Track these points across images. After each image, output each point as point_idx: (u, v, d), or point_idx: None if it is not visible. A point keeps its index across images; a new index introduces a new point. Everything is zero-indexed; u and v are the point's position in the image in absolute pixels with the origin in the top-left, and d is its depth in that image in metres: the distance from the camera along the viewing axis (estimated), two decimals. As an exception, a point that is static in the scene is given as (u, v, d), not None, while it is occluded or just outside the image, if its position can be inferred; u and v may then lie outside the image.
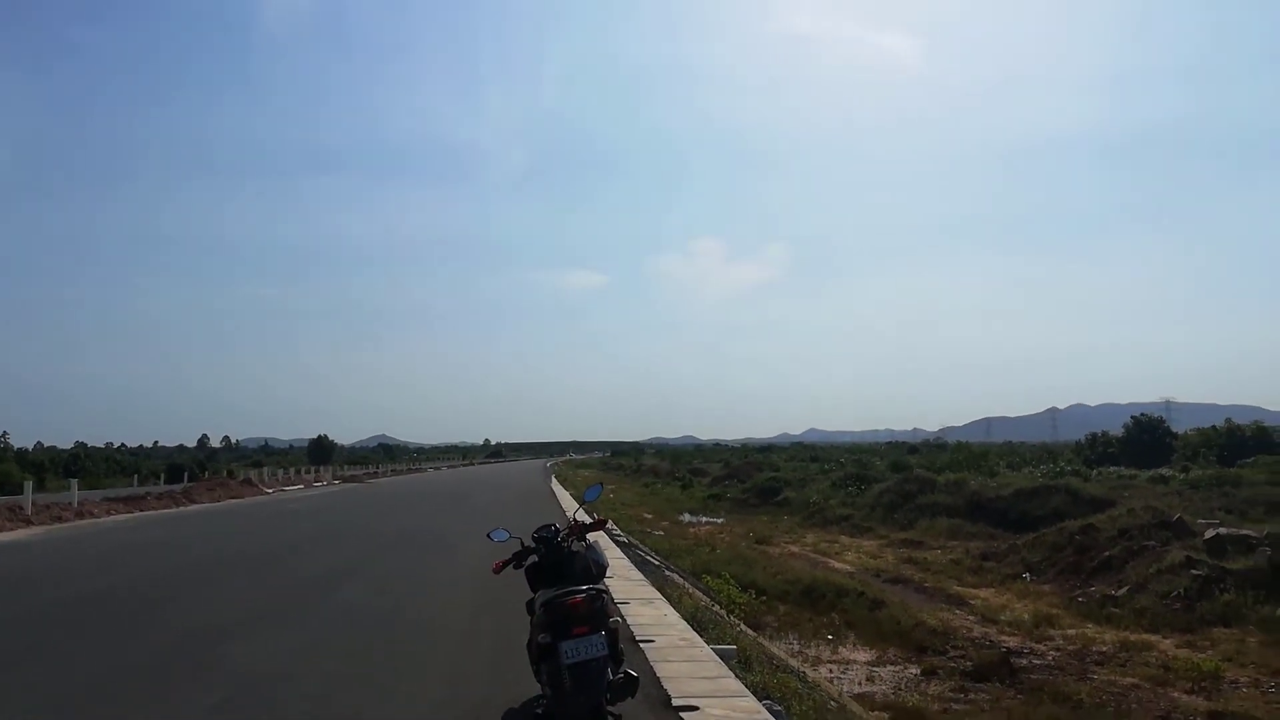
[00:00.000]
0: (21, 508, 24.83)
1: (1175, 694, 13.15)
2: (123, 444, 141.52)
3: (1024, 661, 15.04)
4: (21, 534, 21.70)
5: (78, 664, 7.75)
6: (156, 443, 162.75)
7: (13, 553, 17.81)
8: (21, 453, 79.75)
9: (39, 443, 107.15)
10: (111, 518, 26.70)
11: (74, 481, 32.78)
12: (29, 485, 27.47)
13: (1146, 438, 55.39)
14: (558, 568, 5.63)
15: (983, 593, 21.51)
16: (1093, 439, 60.33)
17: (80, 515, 26.10)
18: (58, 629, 9.47)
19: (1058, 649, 15.97)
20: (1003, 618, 18.41)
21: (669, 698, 6.47)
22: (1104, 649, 15.66)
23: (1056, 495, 31.44)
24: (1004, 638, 16.86)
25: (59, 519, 24.92)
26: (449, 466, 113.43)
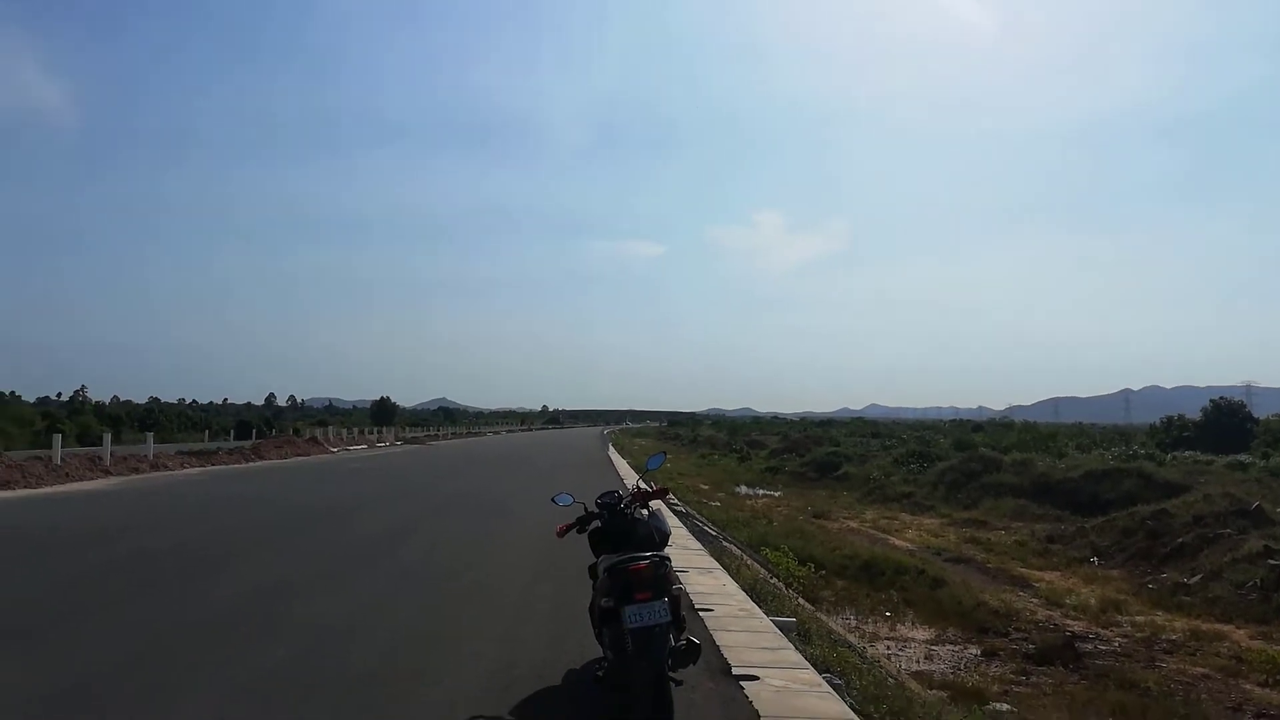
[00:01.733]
0: (101, 458, 25.86)
1: (1248, 686, 12.72)
2: (194, 400, 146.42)
3: (1089, 647, 14.68)
4: (100, 483, 22.59)
5: (154, 614, 8.05)
6: (226, 400, 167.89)
7: (95, 502, 18.56)
8: (99, 406, 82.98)
9: (115, 397, 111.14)
10: (184, 471, 27.63)
11: (149, 435, 33.90)
12: (108, 437, 28.58)
13: (1225, 422, 53.56)
14: (621, 534, 5.61)
15: (1048, 575, 21.06)
16: (1168, 422, 58.54)
17: (155, 467, 27.06)
18: (134, 580, 9.84)
19: (1125, 635, 15.56)
20: (1068, 601, 18.00)
21: (729, 666, 6.44)
22: (1174, 637, 15.21)
23: (1128, 479, 30.57)
24: (1069, 622, 16.48)
25: (135, 470, 25.88)
26: (507, 431, 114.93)
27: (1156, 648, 14.72)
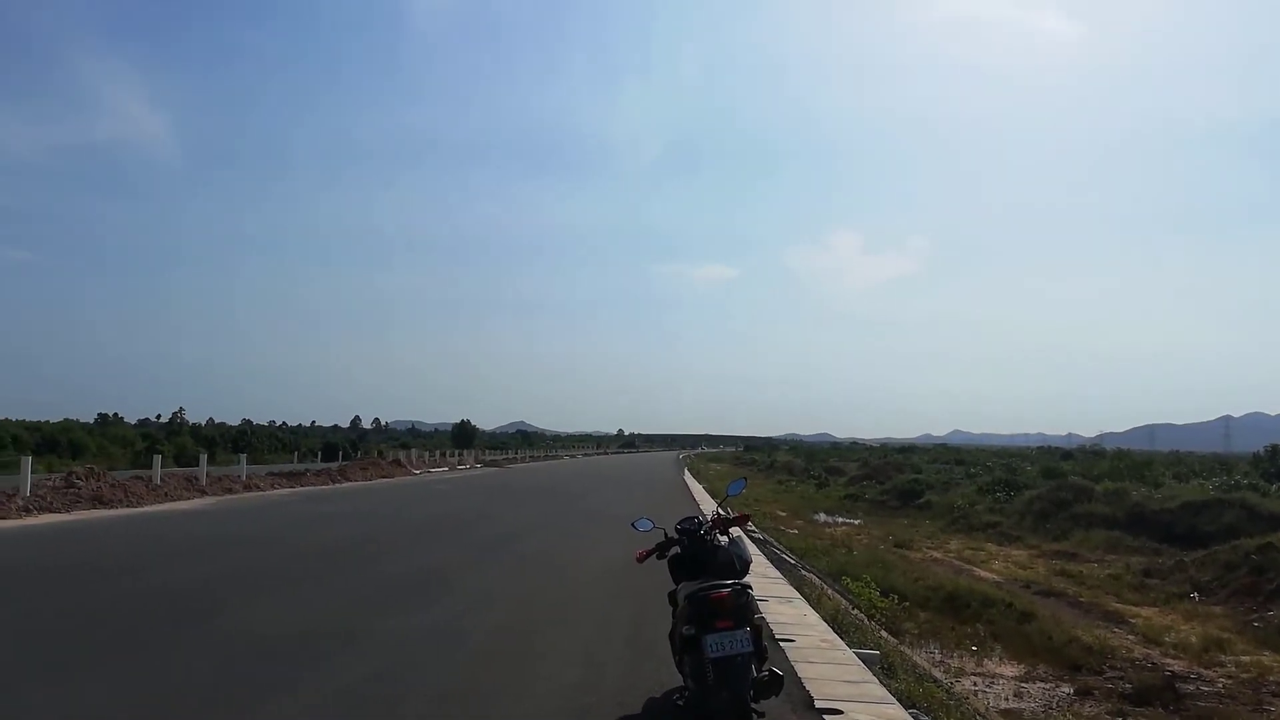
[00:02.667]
0: (197, 478, 26.89)
1: (1365, 733, 11.96)
2: (284, 422, 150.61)
3: (1190, 687, 13.98)
4: (197, 503, 23.46)
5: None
6: (314, 422, 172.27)
7: (205, 519, 19.34)
8: (196, 428, 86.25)
9: (210, 419, 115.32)
10: (275, 491, 28.53)
11: (242, 456, 35.15)
12: (203, 458, 29.73)
13: (1335, 452, 50.65)
14: (701, 560, 5.57)
15: (1144, 611, 20.16)
16: (1273, 451, 55.58)
17: (248, 487, 28.01)
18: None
19: (1229, 676, 14.77)
20: (1167, 639, 17.19)
21: (812, 699, 6.33)
22: (1283, 680, 14.39)
23: (1230, 510, 29.10)
24: (1168, 661, 15.74)
25: (229, 490, 26.83)
26: (584, 455, 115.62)
27: (1263, 690, 13.94)
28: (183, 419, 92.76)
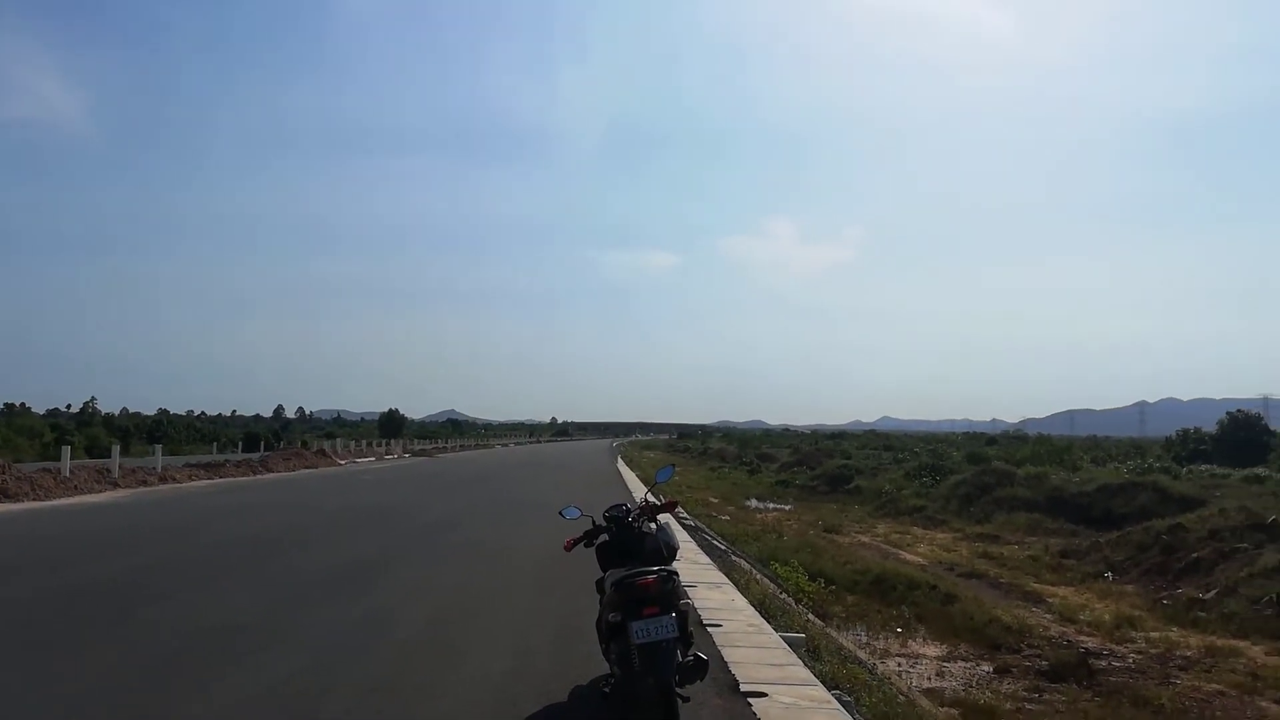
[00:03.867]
0: (109, 471, 25.89)
1: (1264, 703, 12.54)
2: (202, 412, 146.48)
3: (1103, 663, 14.51)
4: (109, 496, 22.62)
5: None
6: (234, 411, 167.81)
7: (119, 512, 18.67)
8: (108, 418, 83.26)
9: (124, 409, 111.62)
10: (193, 483, 27.68)
11: (158, 447, 34.03)
12: (116, 450, 28.57)
13: (1242, 435, 53.06)
14: (628, 548, 5.56)
15: (1061, 591, 20.86)
16: (1184, 435, 58.06)
17: (163, 480, 27.11)
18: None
19: (1139, 652, 15.38)
20: (1082, 617, 17.82)
21: (737, 682, 6.38)
22: (1188, 654, 15.02)
23: (1143, 493, 30.29)
24: (1082, 638, 16.31)
25: (144, 483, 25.91)
26: (516, 444, 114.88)
27: (1171, 664, 14.54)
28: (94, 409, 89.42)
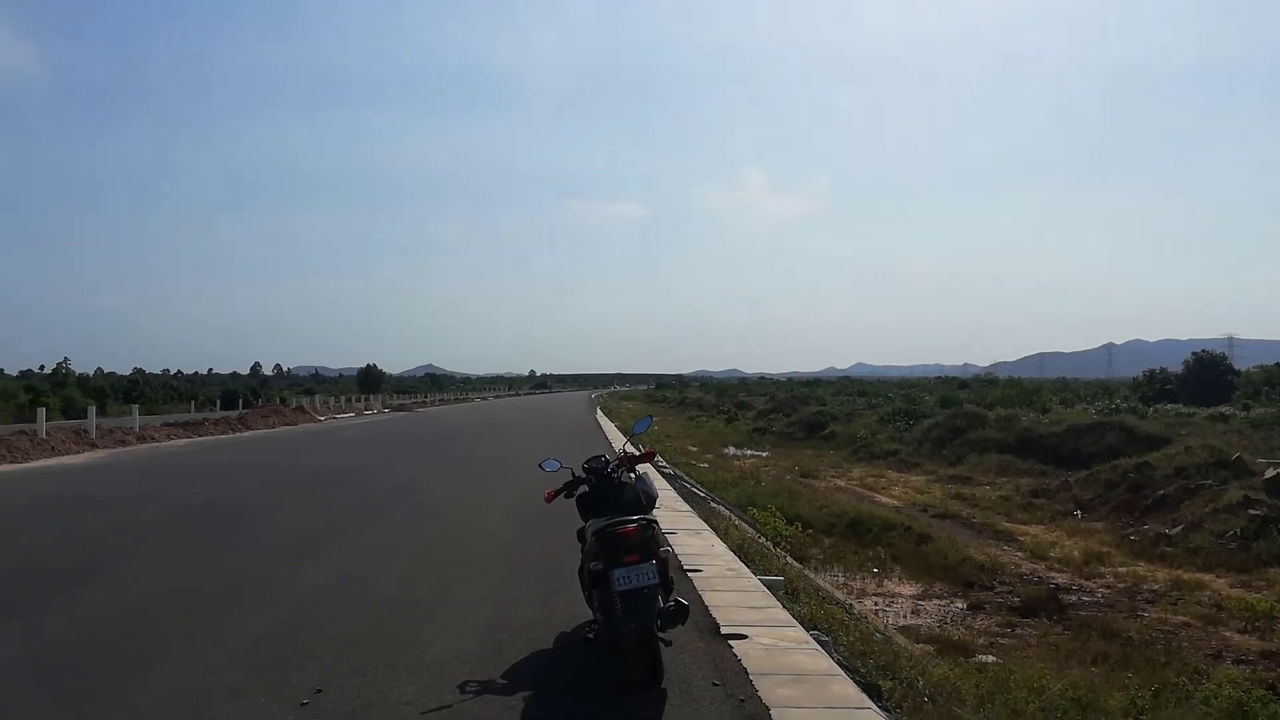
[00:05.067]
0: (86, 431, 25.69)
1: (1227, 633, 12.96)
2: (179, 370, 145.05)
3: (1073, 598, 14.91)
4: (88, 457, 22.47)
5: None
6: (211, 369, 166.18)
7: (97, 473, 18.55)
8: (83, 378, 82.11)
9: (99, 369, 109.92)
10: (172, 442, 27.52)
11: (135, 407, 33.64)
12: (92, 410, 28.37)
13: (1207, 375, 54.01)
14: (608, 498, 5.68)
15: (1032, 529, 21.33)
16: (1150, 376, 59.04)
17: (142, 439, 26.95)
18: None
19: (1108, 586, 15.81)
20: (1052, 555, 18.25)
21: (718, 625, 6.52)
22: (1155, 587, 15.46)
23: (1111, 432, 30.90)
24: (1053, 574, 16.73)
25: (122, 443, 25.75)
26: (495, 397, 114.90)
27: (1138, 598, 14.96)
28: (68, 369, 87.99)
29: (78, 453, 23.09)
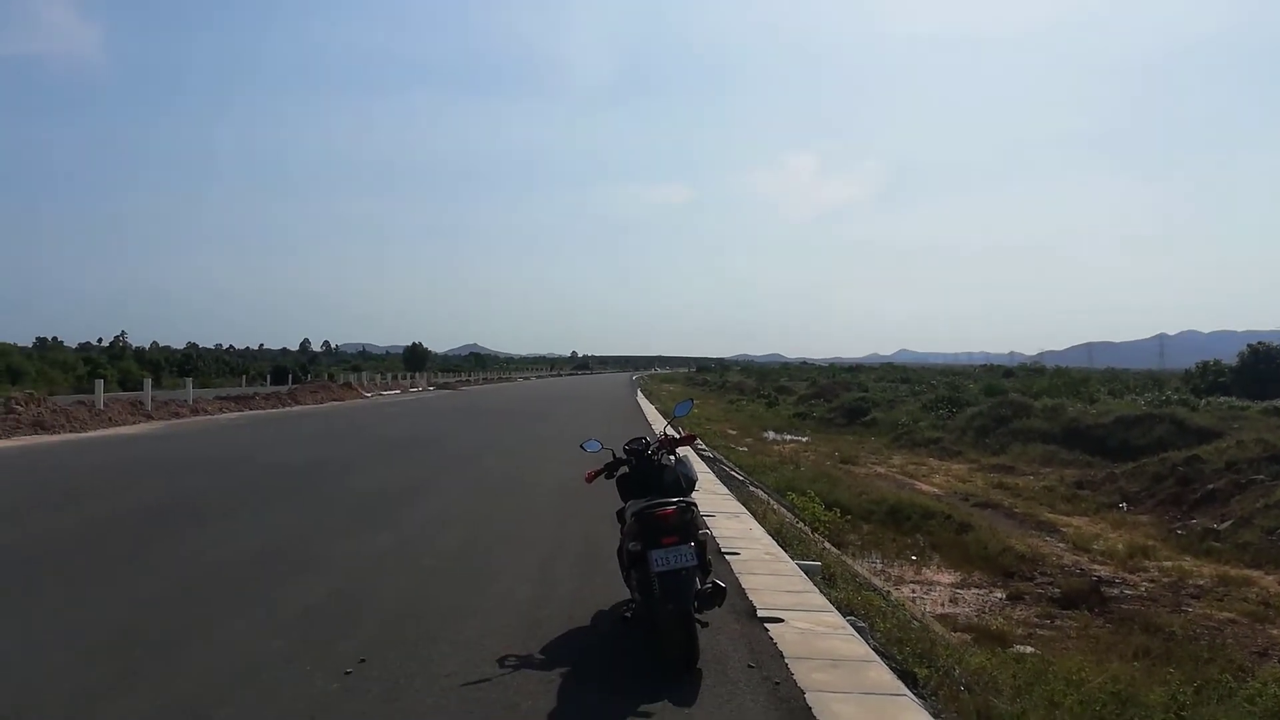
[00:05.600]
0: (142, 403, 26.41)
1: (1274, 631, 12.72)
2: (230, 345, 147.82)
3: (1115, 591, 14.73)
4: (144, 427, 23.10)
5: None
6: (261, 345, 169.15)
7: (153, 444, 19.05)
8: (139, 351, 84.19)
9: (154, 343, 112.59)
10: (224, 415, 28.19)
11: (189, 380, 34.55)
12: (148, 383, 29.08)
13: (1262, 368, 52.51)
14: (648, 480, 5.74)
15: (1075, 521, 21.05)
16: (1203, 367, 57.55)
17: (195, 412, 27.63)
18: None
19: (1151, 580, 15.58)
20: (1095, 547, 18.02)
21: (754, 609, 6.57)
22: (1201, 583, 15.21)
23: (1160, 424, 30.28)
24: (1095, 567, 16.52)
25: (175, 415, 26.43)
26: (537, 377, 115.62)
27: (1183, 593, 14.73)
28: (125, 343, 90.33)
29: (133, 424, 23.74)
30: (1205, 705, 8.90)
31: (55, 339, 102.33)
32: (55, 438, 19.90)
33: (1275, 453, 21.55)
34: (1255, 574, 15.52)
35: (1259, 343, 56.40)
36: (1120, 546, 17.87)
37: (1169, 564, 16.55)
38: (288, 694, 4.78)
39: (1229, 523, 18.37)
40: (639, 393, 55.75)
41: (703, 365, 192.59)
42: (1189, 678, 9.62)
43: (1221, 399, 43.86)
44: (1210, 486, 20.65)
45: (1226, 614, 13.46)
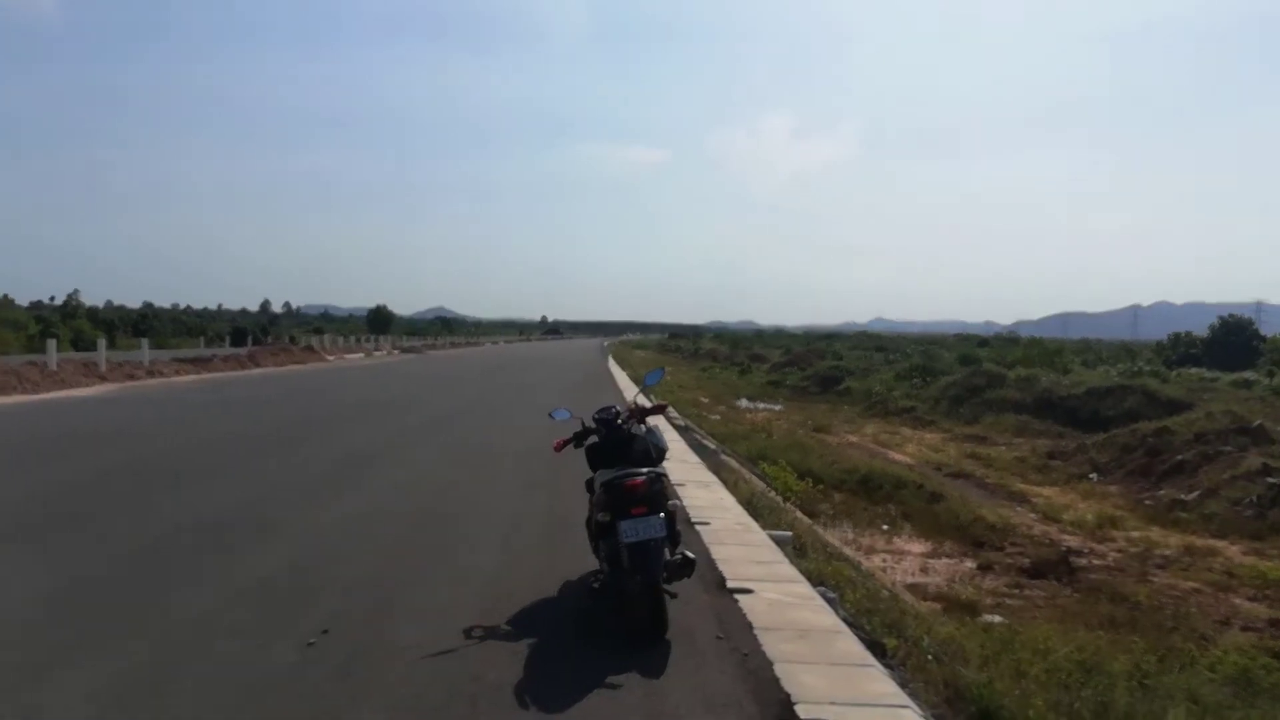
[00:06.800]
0: (96, 364, 25.77)
1: (1237, 600, 12.86)
2: (188, 305, 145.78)
3: (1083, 561, 14.82)
4: (98, 390, 22.60)
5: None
6: (220, 305, 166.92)
7: (108, 406, 18.62)
8: (92, 311, 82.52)
9: (108, 301, 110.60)
10: (181, 378, 27.66)
11: (144, 341, 33.66)
12: (102, 343, 28.37)
13: (1233, 340, 53.29)
14: (617, 449, 5.60)
15: (1046, 491, 21.19)
16: (1175, 339, 58.32)
17: (151, 374, 27.09)
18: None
19: (1119, 550, 15.70)
20: (1065, 517, 18.13)
21: (724, 579, 6.45)
22: (1167, 553, 15.34)
23: (1131, 395, 30.56)
24: (1064, 537, 16.63)
25: (131, 377, 25.88)
26: (505, 342, 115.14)
27: (1150, 563, 14.85)
28: (78, 301, 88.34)
29: (87, 386, 23.22)
30: (1168, 673, 8.94)
31: (6, 297, 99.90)
32: (6, 399, 19.40)
33: (1243, 424, 21.79)
34: (1220, 544, 15.68)
35: (1230, 315, 57.16)
36: (1089, 517, 17.99)
37: (1137, 534, 16.69)
38: (246, 666, 4.60)
39: (1196, 494, 18.55)
40: (610, 359, 55.55)
41: (676, 332, 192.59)
42: (1153, 646, 9.65)
43: (1192, 370, 44.46)
44: (1179, 457, 20.84)
45: (1191, 583, 13.58)
